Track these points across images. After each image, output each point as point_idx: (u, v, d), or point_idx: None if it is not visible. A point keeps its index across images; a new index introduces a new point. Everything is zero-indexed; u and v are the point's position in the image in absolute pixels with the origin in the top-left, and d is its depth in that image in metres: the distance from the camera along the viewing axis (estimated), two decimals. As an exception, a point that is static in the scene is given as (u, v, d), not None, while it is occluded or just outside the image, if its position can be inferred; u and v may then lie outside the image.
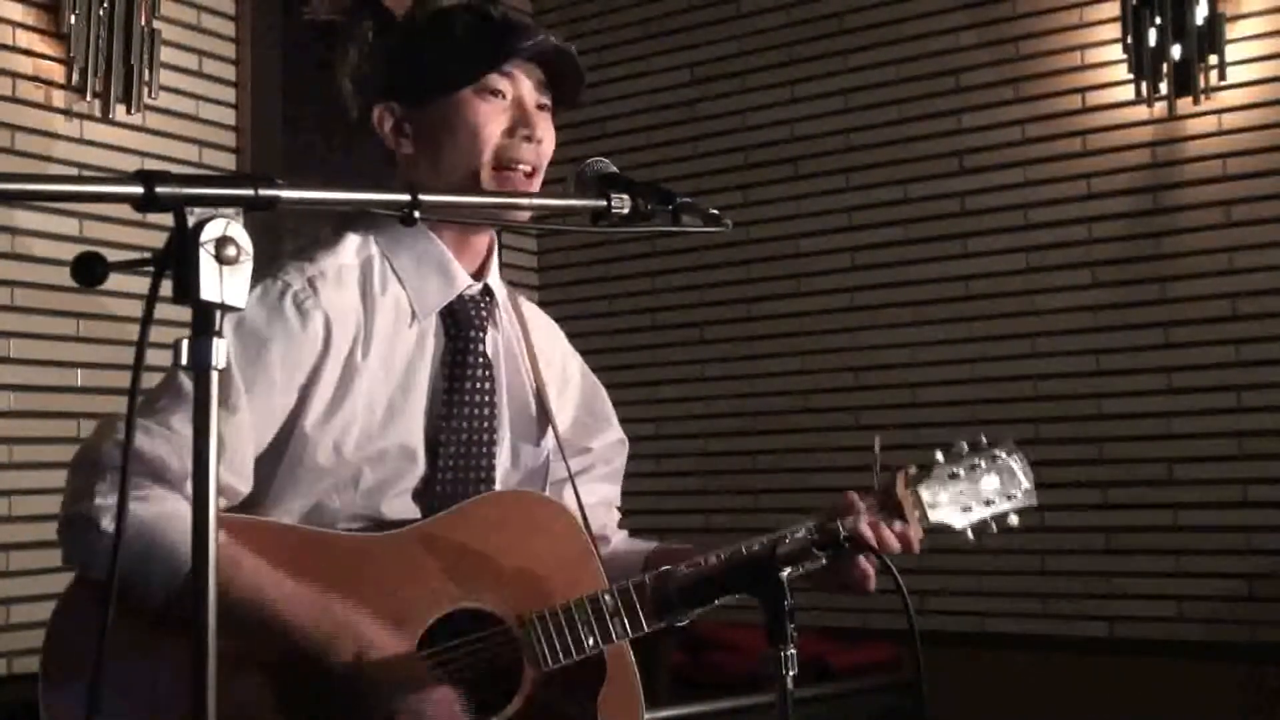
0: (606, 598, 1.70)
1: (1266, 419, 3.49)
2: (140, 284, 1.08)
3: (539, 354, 1.92)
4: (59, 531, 1.61)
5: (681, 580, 1.64)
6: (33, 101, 3.29)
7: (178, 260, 1.05)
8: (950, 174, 3.97)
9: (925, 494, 1.85)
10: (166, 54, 3.54)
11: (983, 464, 1.90)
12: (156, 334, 1.04)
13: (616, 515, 2.06)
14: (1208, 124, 3.61)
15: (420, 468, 1.75)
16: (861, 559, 1.74)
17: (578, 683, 1.69)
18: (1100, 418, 3.69)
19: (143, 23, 3.43)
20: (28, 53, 3.29)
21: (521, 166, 1.77)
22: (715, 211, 1.55)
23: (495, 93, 1.77)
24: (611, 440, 2.02)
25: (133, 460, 1.54)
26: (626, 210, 1.51)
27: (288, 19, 3.90)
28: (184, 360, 1.07)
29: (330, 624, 1.58)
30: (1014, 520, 1.91)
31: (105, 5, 3.36)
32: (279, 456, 1.69)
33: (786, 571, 1.51)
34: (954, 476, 1.88)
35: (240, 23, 3.78)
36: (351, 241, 1.78)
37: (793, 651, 1.44)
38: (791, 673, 1.43)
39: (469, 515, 1.71)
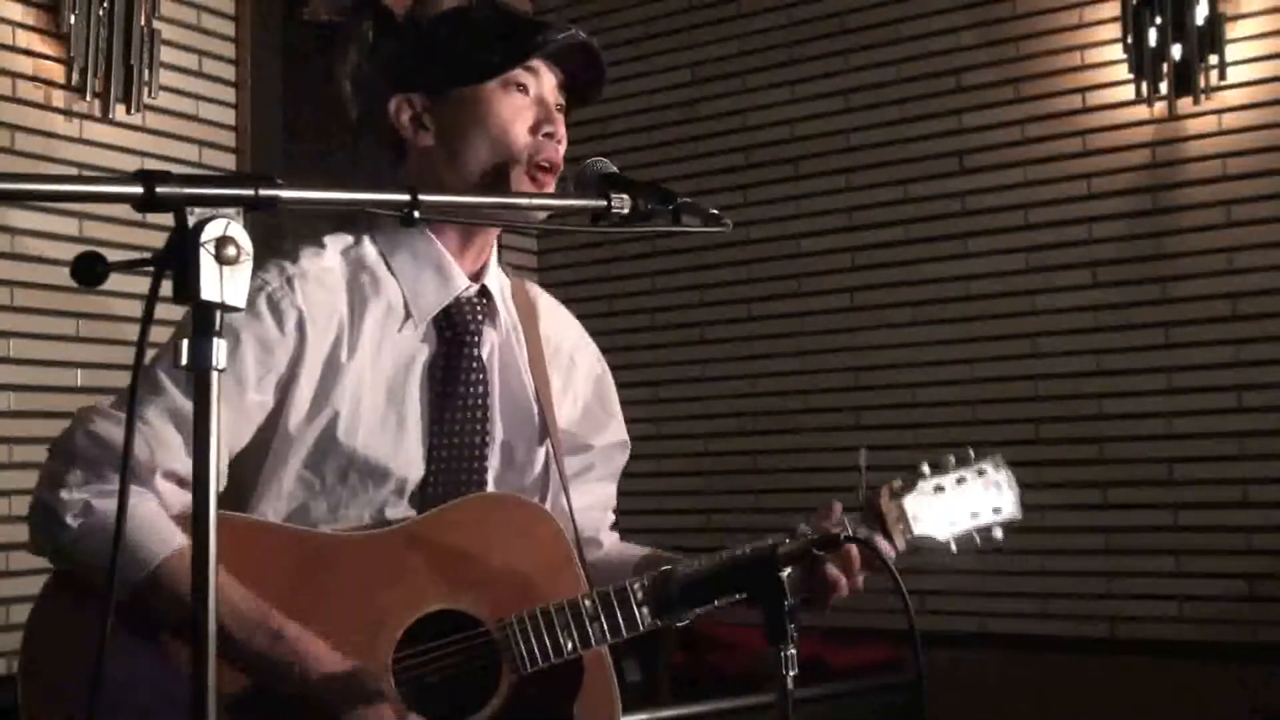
0: (586, 602, 1.70)
1: (1266, 419, 3.49)
2: (140, 284, 1.08)
3: (545, 342, 1.90)
4: (28, 516, 1.63)
5: (682, 580, 1.64)
6: (33, 101, 3.29)
7: (178, 260, 1.05)
8: (950, 174, 3.97)
9: (909, 506, 1.83)
10: (166, 54, 3.54)
11: (969, 477, 1.88)
12: (156, 334, 1.05)
13: (611, 517, 2.04)
14: (1208, 124, 3.61)
15: (413, 470, 1.74)
16: (830, 567, 1.72)
17: (555, 686, 1.69)
18: (1100, 418, 3.69)
19: (143, 23, 3.43)
20: (28, 53, 3.29)
21: (551, 167, 1.77)
22: (715, 211, 1.55)
23: (520, 87, 1.77)
24: (614, 441, 2.00)
25: (102, 450, 1.58)
26: (626, 210, 1.51)
27: (288, 19, 3.90)
28: (184, 360, 1.07)
29: (282, 651, 1.58)
30: (999, 534, 1.89)
31: (105, 5, 3.36)
32: (262, 456, 1.69)
33: (786, 572, 1.51)
34: (940, 490, 1.86)
35: (240, 23, 3.78)
36: (338, 242, 1.78)
37: (793, 651, 1.44)
38: (791, 673, 1.43)
39: (450, 518, 1.71)
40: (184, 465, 1.58)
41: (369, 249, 1.78)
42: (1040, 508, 3.73)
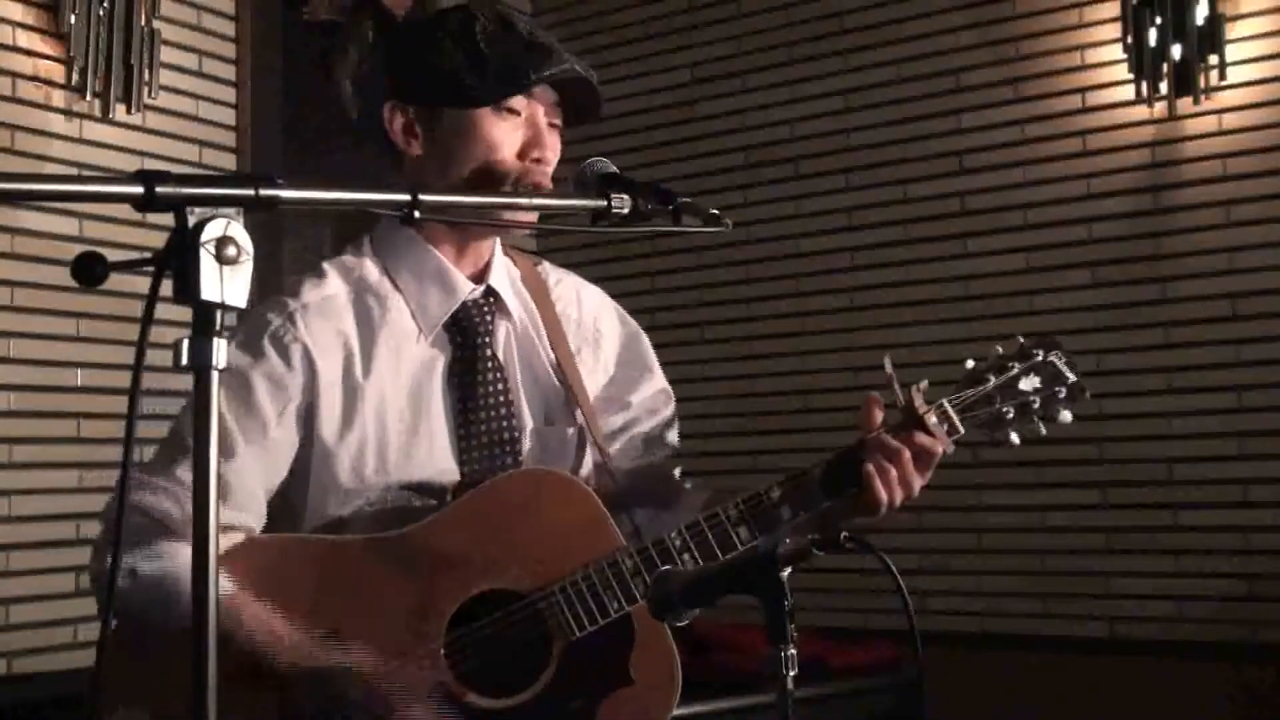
0: (626, 559, 1.71)
1: (1266, 419, 3.49)
2: (140, 284, 1.08)
3: (564, 319, 1.92)
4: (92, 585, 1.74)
5: (682, 580, 1.64)
6: (33, 101, 3.29)
7: (178, 260, 1.05)
8: (950, 174, 3.97)
9: (950, 405, 1.76)
10: (166, 54, 3.54)
11: (1017, 366, 1.78)
12: (156, 334, 1.05)
13: (667, 463, 2.02)
14: (1208, 124, 3.61)
15: (448, 477, 1.77)
16: (870, 473, 1.74)
17: (608, 647, 1.70)
18: (1100, 418, 3.68)
19: (143, 23, 3.43)
20: (28, 53, 3.29)
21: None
22: (715, 211, 1.55)
23: (513, 111, 1.77)
24: (652, 392, 2.01)
25: (142, 517, 1.65)
26: (626, 210, 1.52)
27: (288, 19, 3.90)
28: (184, 360, 1.07)
29: (330, 672, 1.61)
30: (1067, 417, 1.78)
31: (105, 5, 3.36)
32: (305, 484, 1.73)
33: (787, 571, 1.51)
34: (981, 383, 1.78)
35: (240, 23, 3.78)
36: (339, 267, 1.80)
37: (793, 651, 1.44)
38: (791, 673, 1.43)
39: (480, 500, 1.73)
40: (221, 514, 1.63)
41: (371, 269, 1.81)
42: (1040, 508, 3.74)
